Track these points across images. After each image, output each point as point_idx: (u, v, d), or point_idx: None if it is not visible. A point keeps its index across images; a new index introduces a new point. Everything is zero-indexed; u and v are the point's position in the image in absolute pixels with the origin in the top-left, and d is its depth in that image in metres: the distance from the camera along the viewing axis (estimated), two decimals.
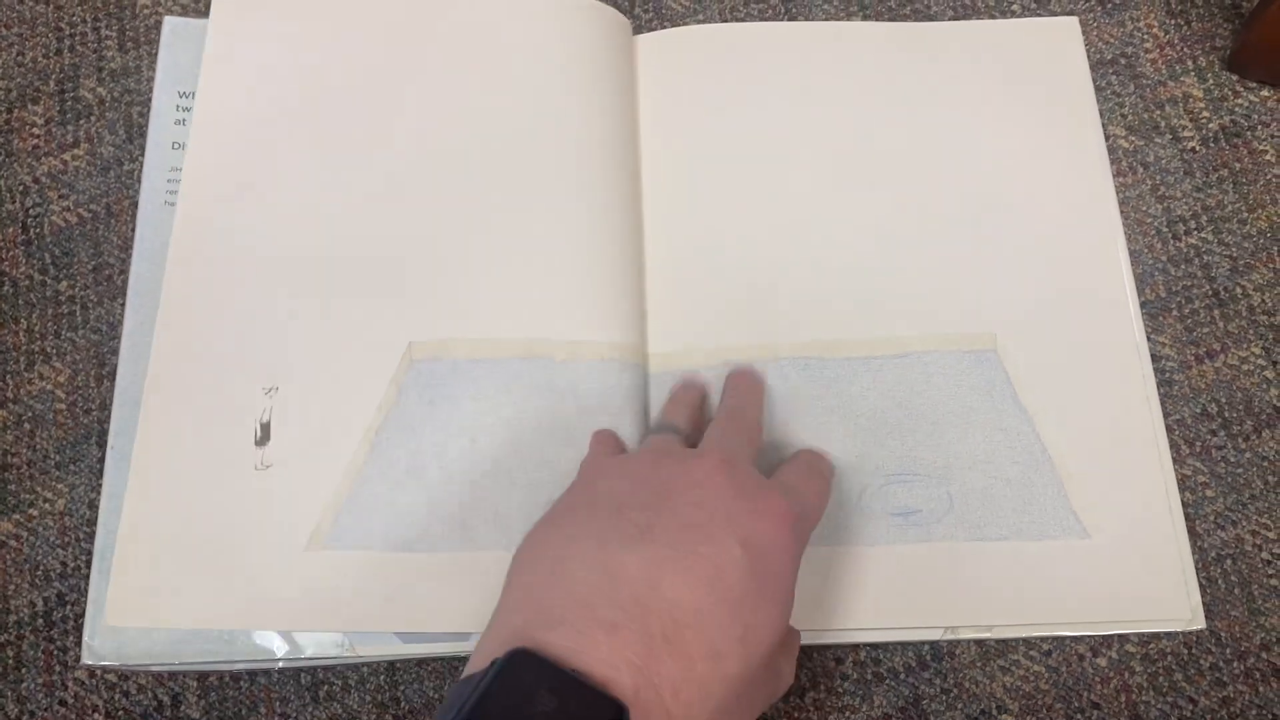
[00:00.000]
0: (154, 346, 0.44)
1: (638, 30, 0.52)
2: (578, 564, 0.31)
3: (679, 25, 0.52)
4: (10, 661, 0.43)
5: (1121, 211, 0.48)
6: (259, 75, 0.49)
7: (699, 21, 0.53)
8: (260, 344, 0.44)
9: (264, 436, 0.43)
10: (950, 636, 0.42)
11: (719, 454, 0.35)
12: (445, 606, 0.41)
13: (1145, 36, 0.52)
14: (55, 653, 0.43)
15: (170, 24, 0.51)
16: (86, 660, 0.40)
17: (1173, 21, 0.53)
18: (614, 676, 0.28)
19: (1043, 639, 0.43)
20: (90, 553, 0.44)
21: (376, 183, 0.47)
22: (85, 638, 0.41)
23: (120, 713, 0.43)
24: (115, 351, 0.47)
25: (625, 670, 0.28)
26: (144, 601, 0.41)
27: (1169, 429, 0.45)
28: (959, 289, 0.47)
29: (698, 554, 0.31)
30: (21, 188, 0.50)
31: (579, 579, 0.30)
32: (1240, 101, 0.51)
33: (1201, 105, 0.51)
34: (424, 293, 0.45)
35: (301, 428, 0.43)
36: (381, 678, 0.43)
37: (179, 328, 0.45)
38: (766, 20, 0.53)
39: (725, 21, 0.53)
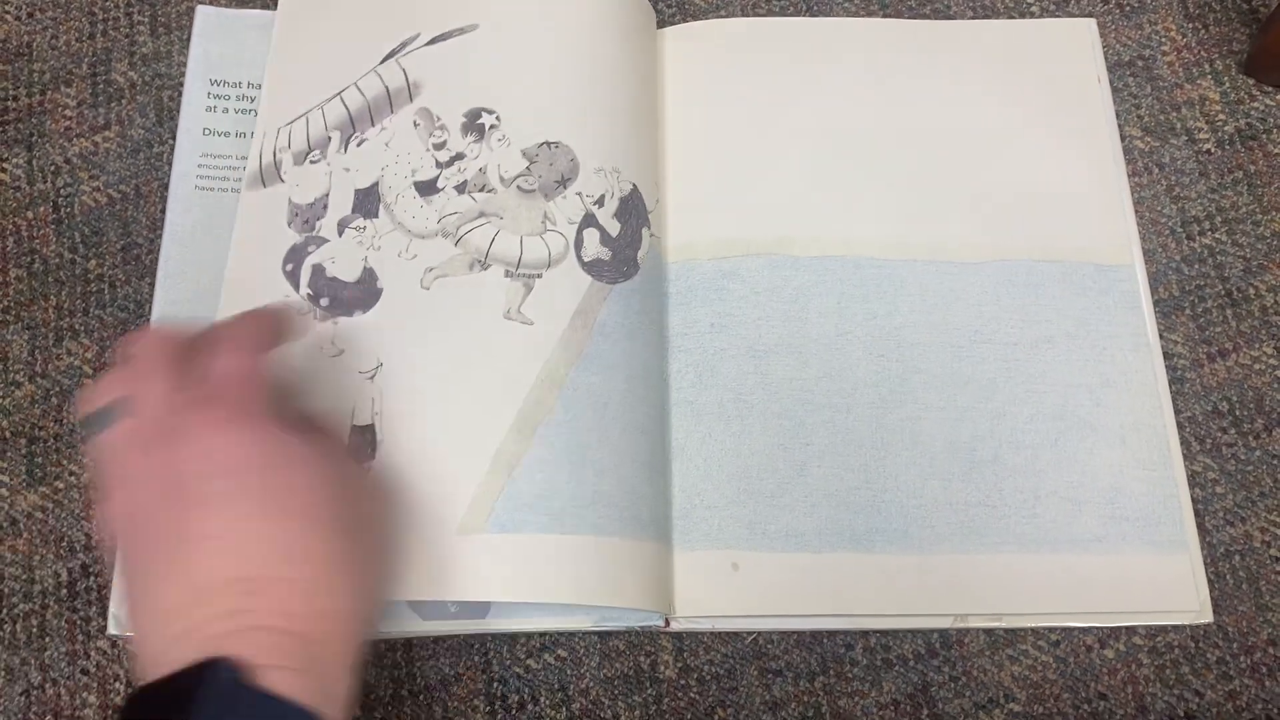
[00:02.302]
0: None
1: (662, 24, 0.52)
2: (154, 585, 0.32)
3: (702, 20, 0.53)
4: (34, 630, 0.44)
5: (1136, 211, 0.49)
6: (319, 62, 0.49)
7: (721, 16, 0.54)
8: None
9: (361, 450, 0.43)
10: (960, 625, 0.43)
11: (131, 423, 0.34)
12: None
13: (1163, 39, 0.53)
14: (79, 623, 0.44)
15: (202, 13, 0.52)
16: (113, 630, 0.41)
17: (1190, 25, 0.53)
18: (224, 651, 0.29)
19: (1051, 629, 0.43)
20: None
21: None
22: (112, 608, 0.41)
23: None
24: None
25: (187, 646, 0.29)
26: None
27: (1180, 426, 0.46)
28: (969, 285, 0.47)
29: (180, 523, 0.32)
30: (53, 168, 0.51)
31: (160, 595, 0.32)
32: (1256, 105, 0.52)
33: (1218, 108, 0.52)
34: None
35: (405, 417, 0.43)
36: (398, 654, 0.44)
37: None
38: (788, 16, 0.54)
39: (747, 16, 0.54)
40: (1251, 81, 0.52)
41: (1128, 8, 0.54)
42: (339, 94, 0.48)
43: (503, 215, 0.46)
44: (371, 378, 0.44)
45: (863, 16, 0.54)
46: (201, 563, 0.31)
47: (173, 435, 0.32)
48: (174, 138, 0.50)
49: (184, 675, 0.28)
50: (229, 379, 0.34)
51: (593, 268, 0.45)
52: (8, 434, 0.47)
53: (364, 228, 0.46)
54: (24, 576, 0.45)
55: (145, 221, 0.50)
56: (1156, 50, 0.53)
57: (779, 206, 0.49)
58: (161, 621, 0.31)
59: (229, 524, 0.31)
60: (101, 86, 0.52)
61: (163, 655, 0.29)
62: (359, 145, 0.48)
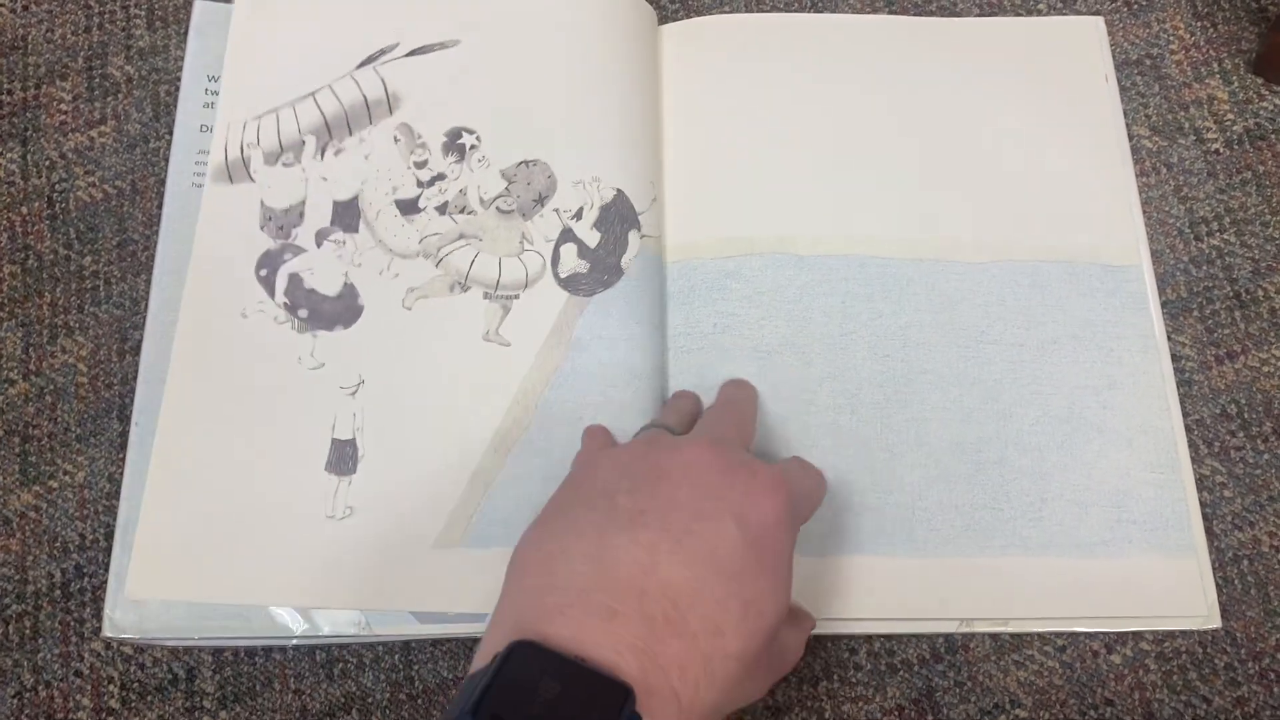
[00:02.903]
0: (179, 332, 0.44)
1: (664, 20, 0.52)
2: (573, 556, 0.31)
3: (704, 15, 0.52)
4: (28, 631, 0.43)
5: (1144, 211, 0.48)
6: (285, 57, 0.49)
7: (725, 12, 0.53)
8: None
9: (343, 464, 0.43)
10: (965, 630, 0.42)
11: (707, 437, 0.35)
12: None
13: (1171, 38, 0.52)
14: (72, 624, 0.44)
15: (200, 8, 0.51)
16: (108, 632, 0.41)
17: (1199, 24, 0.53)
18: (617, 660, 0.28)
19: (1057, 635, 0.43)
20: (109, 525, 0.44)
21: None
22: (106, 610, 0.41)
23: (135, 685, 0.43)
24: (138, 327, 0.47)
25: (628, 654, 0.28)
26: (166, 575, 0.41)
27: (1188, 429, 0.45)
28: (975, 285, 0.47)
29: (691, 533, 0.31)
30: (48, 163, 0.50)
31: (575, 570, 0.31)
32: (1265, 104, 0.51)
33: (1226, 107, 0.51)
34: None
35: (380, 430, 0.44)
36: (396, 657, 0.43)
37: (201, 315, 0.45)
38: (791, 12, 0.53)
39: (751, 12, 0.53)
40: (1260, 81, 0.51)
41: (1135, 6, 0.53)
42: (312, 94, 0.48)
43: (482, 237, 0.46)
44: (353, 394, 0.44)
45: (868, 13, 0.53)
46: (637, 552, 0.30)
47: (711, 474, 0.33)
48: (171, 133, 0.49)
49: (604, 682, 0.28)
50: (805, 506, 0.37)
51: (569, 283, 0.45)
52: (0, 433, 0.46)
53: (344, 242, 0.46)
54: (16, 577, 0.44)
55: (141, 218, 0.49)
56: (1164, 49, 0.52)
57: (782, 204, 0.48)
58: (576, 591, 0.30)
59: (654, 534, 0.31)
60: (97, 81, 0.52)
61: (575, 619, 0.29)
62: (336, 155, 0.47)
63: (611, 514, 0.32)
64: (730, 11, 0.53)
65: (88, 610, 0.44)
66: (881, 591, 0.42)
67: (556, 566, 0.31)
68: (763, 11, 0.53)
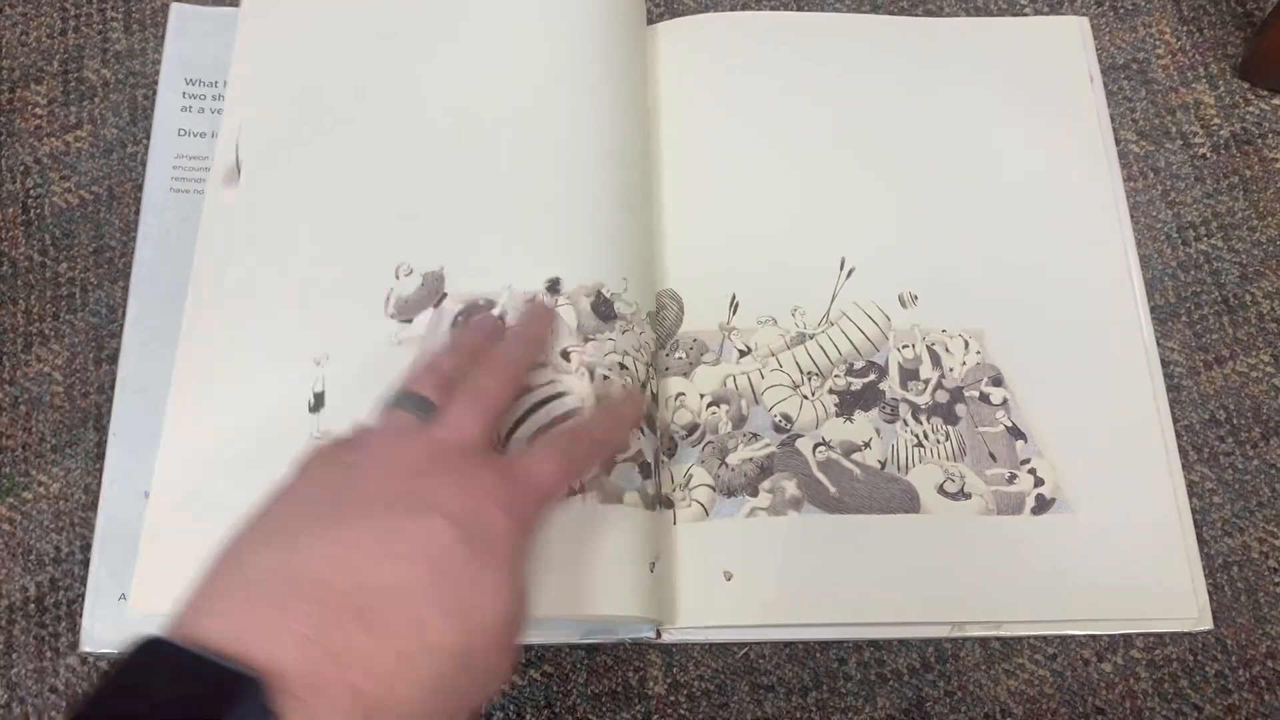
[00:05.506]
0: (184, 328, 0.44)
1: (652, 21, 0.51)
2: (258, 554, 0.29)
3: (689, 15, 0.52)
4: (1, 647, 0.42)
5: (1132, 216, 0.48)
6: (291, 57, 0.49)
7: (710, 11, 0.53)
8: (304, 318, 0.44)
9: (318, 404, 0.43)
10: (957, 634, 0.42)
11: (426, 436, 0.33)
12: None
13: (1157, 42, 0.52)
14: (47, 639, 0.43)
15: (177, 11, 0.51)
16: (86, 647, 0.40)
17: (1185, 28, 0.53)
18: (273, 651, 0.25)
19: (1048, 642, 0.43)
20: (85, 538, 0.43)
21: (404, 155, 0.47)
22: (85, 624, 0.40)
23: None
24: (114, 335, 0.46)
25: (290, 643, 0.26)
26: (171, 587, 0.40)
27: (1177, 435, 0.45)
28: (963, 288, 0.46)
29: (395, 529, 0.29)
30: (23, 168, 0.49)
31: (254, 566, 0.28)
32: (1251, 109, 0.51)
33: (1213, 112, 0.51)
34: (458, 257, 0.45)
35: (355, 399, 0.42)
36: None
37: (213, 306, 0.44)
38: (776, 10, 0.53)
39: (736, 11, 0.53)
40: (1246, 85, 0.51)
41: (1121, 10, 0.53)
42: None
43: None
44: (318, 363, 0.44)
45: (852, 13, 0.53)
46: (334, 549, 0.28)
47: (424, 471, 0.31)
48: (148, 138, 0.48)
49: (225, 672, 0.25)
50: (532, 498, 0.33)
51: None
52: None
53: None
54: None
55: (118, 223, 0.48)
56: (1151, 53, 0.52)
57: (764, 202, 0.48)
58: (245, 585, 0.28)
59: (354, 532, 0.29)
60: (73, 84, 0.51)
61: (237, 612, 0.27)
62: None
63: (311, 516, 0.30)
64: (716, 10, 0.53)
65: (63, 625, 0.43)
66: (874, 596, 0.42)
67: (236, 565, 0.29)
68: (747, 10, 0.53)
